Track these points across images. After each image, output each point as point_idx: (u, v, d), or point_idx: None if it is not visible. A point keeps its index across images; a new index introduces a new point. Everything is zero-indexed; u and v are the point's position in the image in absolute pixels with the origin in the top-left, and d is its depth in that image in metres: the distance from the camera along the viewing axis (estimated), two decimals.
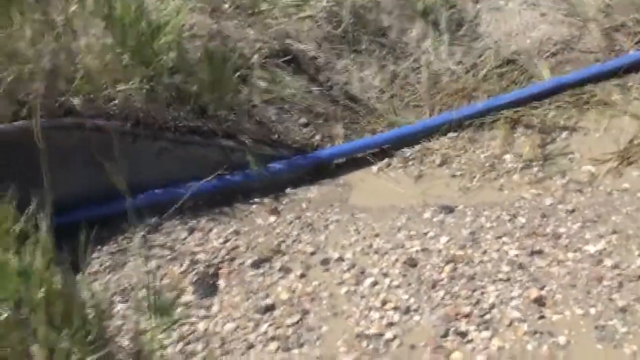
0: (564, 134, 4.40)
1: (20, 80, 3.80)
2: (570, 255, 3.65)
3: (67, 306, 2.75)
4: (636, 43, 5.00)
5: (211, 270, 3.73)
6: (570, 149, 4.32)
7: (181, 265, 3.74)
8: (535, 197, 4.04)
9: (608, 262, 3.58)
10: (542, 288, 3.50)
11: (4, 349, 2.63)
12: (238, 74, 4.25)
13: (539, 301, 3.45)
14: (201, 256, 3.80)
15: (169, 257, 3.78)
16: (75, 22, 4.00)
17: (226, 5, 4.60)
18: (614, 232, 3.72)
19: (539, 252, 3.67)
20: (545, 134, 4.40)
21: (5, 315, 2.62)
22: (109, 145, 3.84)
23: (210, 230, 3.94)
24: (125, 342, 3.02)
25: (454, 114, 4.50)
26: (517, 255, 3.67)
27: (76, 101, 3.87)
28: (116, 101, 3.96)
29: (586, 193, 4.03)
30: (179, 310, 3.43)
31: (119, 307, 3.43)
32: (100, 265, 3.67)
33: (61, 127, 3.77)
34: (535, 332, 3.34)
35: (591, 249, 3.66)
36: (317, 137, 4.40)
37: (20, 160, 3.49)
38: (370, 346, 3.36)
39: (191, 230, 3.93)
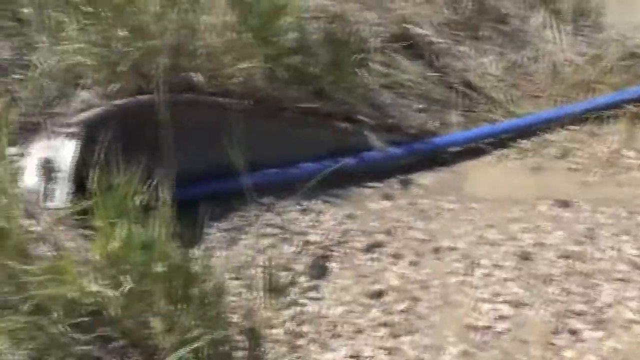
0: None
1: (144, 56, 3.87)
2: None
3: (187, 281, 2.80)
4: None
5: (323, 253, 3.73)
6: None
7: (293, 245, 3.75)
8: None
9: None
10: None
11: (127, 319, 2.69)
12: (356, 57, 4.24)
13: None
14: (313, 237, 3.80)
15: (282, 237, 3.79)
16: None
17: None
18: None
19: None
20: None
21: (129, 286, 2.68)
22: (227, 122, 3.87)
23: (323, 212, 3.95)
24: (237, 319, 3.05)
25: (576, 106, 4.40)
26: (635, 255, 3.57)
27: (198, 78, 3.92)
28: (236, 79, 3.99)
29: None
30: (291, 290, 3.45)
31: (232, 284, 3.46)
32: (214, 242, 3.71)
33: (183, 103, 3.81)
34: None
35: None
36: (433, 124, 4.37)
37: (142, 134, 3.55)
38: (480, 338, 3.31)
39: (305, 212, 3.94)
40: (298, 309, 3.42)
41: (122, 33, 3.87)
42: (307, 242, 3.78)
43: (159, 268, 2.74)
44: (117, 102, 3.78)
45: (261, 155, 3.94)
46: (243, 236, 3.76)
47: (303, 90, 4.13)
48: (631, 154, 4.19)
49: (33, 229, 2.91)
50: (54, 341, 2.60)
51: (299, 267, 3.62)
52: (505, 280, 3.54)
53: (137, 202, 2.93)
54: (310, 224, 3.88)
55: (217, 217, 3.75)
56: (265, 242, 3.73)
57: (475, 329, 3.34)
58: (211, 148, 3.82)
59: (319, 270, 3.64)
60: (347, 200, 4.03)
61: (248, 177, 3.63)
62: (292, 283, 3.51)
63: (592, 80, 4.66)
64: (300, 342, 3.27)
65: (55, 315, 2.63)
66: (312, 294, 3.52)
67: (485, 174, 4.21)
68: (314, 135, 4.12)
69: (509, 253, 3.67)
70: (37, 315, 2.62)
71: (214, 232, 3.74)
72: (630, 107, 4.41)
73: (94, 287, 2.70)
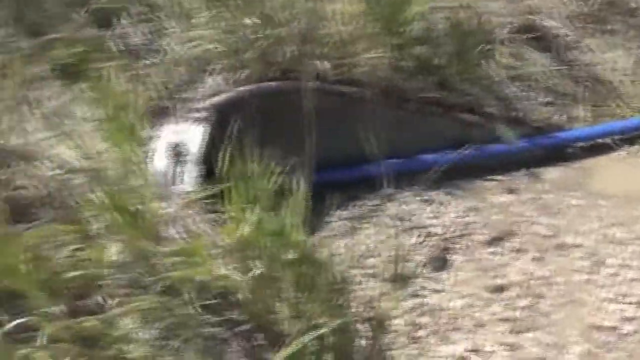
0: None
1: (272, 44, 3.91)
2: None
3: (314, 269, 2.82)
4: None
5: (444, 245, 3.71)
6: None
7: (415, 237, 3.74)
8: None
9: None
10: None
11: (254, 303, 2.74)
12: (482, 47, 4.19)
13: None
14: (435, 229, 3.79)
15: (404, 227, 3.78)
16: None
17: None
18: None
19: None
20: None
21: (259, 272, 2.72)
22: (353, 112, 3.89)
23: (445, 204, 3.92)
24: (360, 308, 3.06)
25: None
26: None
27: (324, 66, 3.94)
28: (362, 69, 4.00)
29: None
30: (412, 282, 3.44)
31: (355, 273, 3.47)
32: (338, 230, 3.73)
33: (312, 90, 3.83)
34: None
35: None
36: (560, 118, 4.28)
37: (272, 120, 3.58)
38: (605, 338, 3.24)
39: (426, 203, 3.92)
40: (419, 300, 3.41)
41: (249, 21, 3.93)
42: (429, 234, 3.76)
43: (289, 255, 2.77)
44: (247, 87, 3.83)
45: (383, 145, 3.93)
46: (365, 225, 3.77)
47: (427, 81, 4.10)
48: None
49: (164, 211, 2.98)
50: (182, 322, 2.66)
51: (421, 259, 3.61)
52: (632, 280, 3.44)
53: (270, 188, 2.96)
54: (432, 215, 3.86)
55: (340, 205, 3.76)
56: (388, 232, 3.73)
57: (600, 328, 3.27)
58: (336, 137, 3.82)
59: (441, 262, 3.62)
60: (469, 193, 3.99)
61: (373, 166, 3.63)
62: (414, 274, 3.50)
63: None
64: (420, 333, 3.27)
65: (185, 296, 2.69)
66: (433, 285, 3.51)
67: (613, 170, 4.10)
68: (437, 125, 4.09)
69: (636, 252, 3.57)
70: (167, 296, 2.69)
71: (338, 221, 3.77)
72: None
73: (224, 271, 2.76)
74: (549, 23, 4.57)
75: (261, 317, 2.77)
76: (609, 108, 4.36)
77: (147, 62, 3.89)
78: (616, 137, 4.23)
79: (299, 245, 2.82)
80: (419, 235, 3.74)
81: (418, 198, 3.93)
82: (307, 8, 4.04)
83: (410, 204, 3.90)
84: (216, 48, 3.91)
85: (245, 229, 2.81)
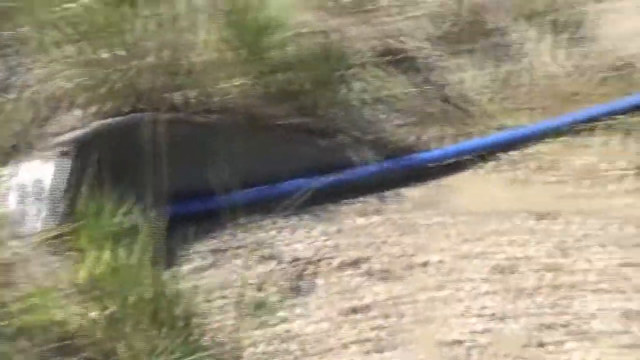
0: None
1: (132, 76, 3.92)
2: None
3: (167, 304, 2.84)
4: None
5: (307, 269, 3.76)
6: None
7: (273, 263, 3.77)
8: (633, 206, 3.96)
9: None
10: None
11: (110, 341, 2.73)
12: (343, 72, 4.28)
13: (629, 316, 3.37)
14: (298, 254, 3.83)
15: (263, 255, 3.81)
16: (183, 17, 4.09)
17: (331, 4, 4.62)
18: None
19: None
20: None
21: (112, 309, 2.72)
22: (212, 141, 3.92)
23: (307, 229, 3.97)
24: (218, 339, 3.09)
25: (565, 118, 4.44)
26: (609, 266, 3.60)
27: (182, 96, 3.96)
28: (225, 97, 4.04)
29: None
30: (271, 309, 3.48)
31: (213, 304, 3.49)
32: (194, 263, 3.72)
33: (167, 122, 3.85)
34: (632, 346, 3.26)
35: None
36: (421, 138, 4.39)
37: (128, 153, 3.59)
38: (452, 353, 3.32)
39: (287, 229, 3.96)
40: (281, 326, 3.46)
41: (109, 54, 3.93)
42: (290, 260, 3.80)
43: (141, 292, 2.79)
44: (104, 121, 3.82)
45: (244, 173, 3.95)
46: (224, 255, 3.78)
47: (290, 107, 4.16)
48: (608, 166, 4.21)
49: (17, 251, 2.96)
50: None
51: (282, 285, 3.66)
52: (479, 294, 3.55)
53: (123, 224, 2.97)
54: (294, 241, 3.90)
55: (197, 237, 3.78)
56: (246, 261, 3.76)
57: (448, 344, 3.34)
58: (195, 167, 3.85)
59: (302, 287, 3.67)
60: (332, 216, 4.05)
61: (231, 195, 3.66)
62: (274, 301, 3.54)
63: (584, 91, 4.68)
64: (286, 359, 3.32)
65: (38, 339, 2.68)
66: (295, 311, 3.55)
67: (470, 187, 4.22)
68: (300, 151, 4.14)
69: (491, 266, 3.68)
70: (19, 340, 2.68)
71: (194, 253, 3.76)
72: (616, 120, 4.42)
73: (77, 311, 2.76)
74: (410, 45, 4.69)
75: (118, 355, 2.78)
76: (468, 126, 4.49)
77: (4, 98, 3.85)
78: (474, 154, 4.36)
79: (151, 281, 2.84)
80: (279, 262, 3.78)
81: (279, 225, 3.96)
82: (168, 39, 4.06)
83: (269, 231, 3.94)
84: (76, 82, 3.90)
85: (98, 268, 2.82)
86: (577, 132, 4.43)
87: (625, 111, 4.51)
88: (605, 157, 4.27)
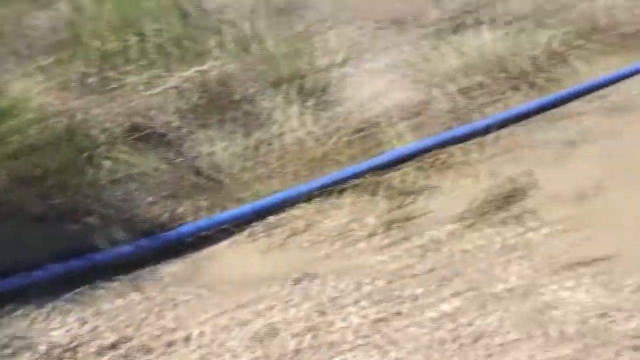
0: (418, 197, 4.51)
1: None
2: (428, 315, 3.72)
3: None
4: (494, 101, 5.21)
5: (67, 355, 3.62)
6: (427, 210, 4.43)
7: (27, 355, 3.60)
8: (388, 261, 4.10)
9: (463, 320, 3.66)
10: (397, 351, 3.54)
11: None
12: (86, 154, 4.22)
13: None
14: (56, 340, 3.68)
15: (15, 348, 3.64)
16: None
17: (75, 85, 4.58)
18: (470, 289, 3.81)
19: (396, 315, 3.73)
20: (400, 197, 4.50)
21: None
22: None
23: (60, 316, 3.83)
24: None
25: (315, 182, 4.56)
26: (364, 323, 3.70)
27: None
28: None
29: (443, 252, 4.12)
30: None
31: None
32: None
33: None
34: None
35: (446, 307, 3.73)
36: (173, 213, 4.37)
37: None
38: None
39: (39, 318, 3.80)
40: None
41: None
42: (48, 348, 3.65)
43: None
44: None
45: None
46: None
47: (36, 191, 4.06)
48: (357, 225, 4.36)
49: None
50: None
51: None
52: None
53: None
54: (51, 328, 3.75)
55: None
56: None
57: None
58: None
59: None
60: (88, 300, 3.92)
61: None
62: None
63: (332, 154, 4.83)
64: None
65: None
66: None
67: (227, 258, 4.21)
68: (49, 236, 4.03)
69: (252, 331, 3.70)
70: None
71: None
72: (363, 179, 4.60)
73: None
74: (159, 120, 4.70)
75: None
76: (222, 197, 4.51)
77: None
78: (229, 224, 4.39)
79: None
80: (33, 353, 3.61)
81: (32, 314, 3.81)
82: None
83: (23, 322, 3.76)
84: None
85: None
86: (328, 194, 4.55)
87: (372, 170, 4.69)
88: (355, 217, 4.40)
